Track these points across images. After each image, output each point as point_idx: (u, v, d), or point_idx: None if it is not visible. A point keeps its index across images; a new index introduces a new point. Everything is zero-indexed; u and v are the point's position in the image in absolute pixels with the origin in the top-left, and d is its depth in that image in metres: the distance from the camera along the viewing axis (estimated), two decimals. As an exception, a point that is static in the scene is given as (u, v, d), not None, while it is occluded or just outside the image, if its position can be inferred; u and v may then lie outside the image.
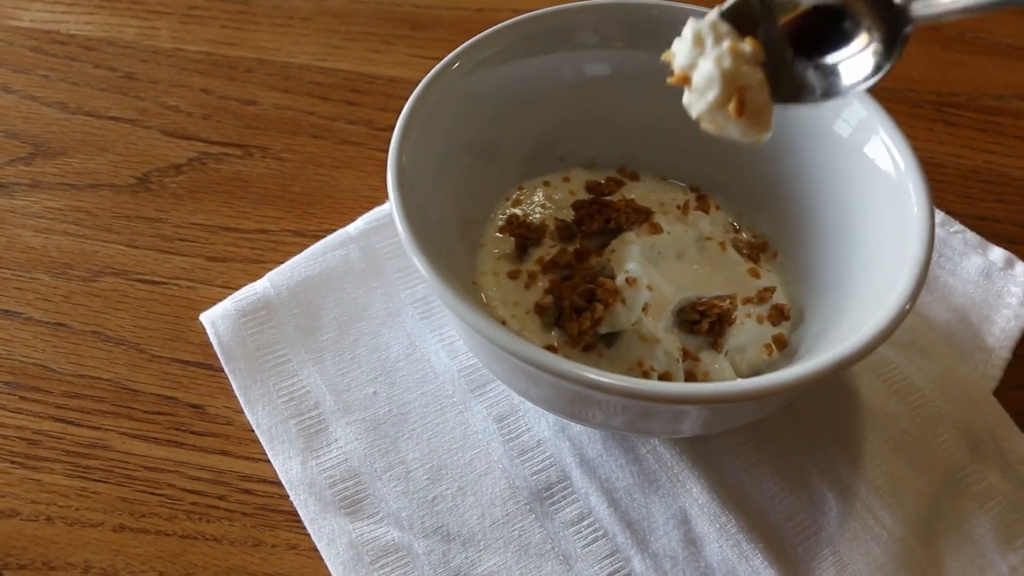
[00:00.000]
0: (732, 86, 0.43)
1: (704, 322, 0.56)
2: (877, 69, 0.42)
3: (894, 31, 0.41)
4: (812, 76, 0.44)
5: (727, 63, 0.42)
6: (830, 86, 0.43)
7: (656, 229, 0.59)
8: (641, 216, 0.60)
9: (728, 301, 0.57)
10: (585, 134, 0.64)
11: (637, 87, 0.62)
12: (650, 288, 0.56)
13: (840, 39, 0.43)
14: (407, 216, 0.48)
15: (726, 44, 0.42)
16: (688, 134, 0.62)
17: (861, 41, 0.42)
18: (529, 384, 0.50)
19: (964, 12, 0.40)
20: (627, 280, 0.55)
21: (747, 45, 0.42)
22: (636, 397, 0.43)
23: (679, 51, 0.45)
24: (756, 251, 0.62)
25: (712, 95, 0.43)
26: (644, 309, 0.55)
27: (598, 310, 0.54)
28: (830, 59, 0.43)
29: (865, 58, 0.42)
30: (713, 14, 0.43)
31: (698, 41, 0.43)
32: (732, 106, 0.43)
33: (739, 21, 0.44)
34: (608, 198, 0.63)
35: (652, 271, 0.57)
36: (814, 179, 0.59)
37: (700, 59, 0.44)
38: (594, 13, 0.60)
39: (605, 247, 0.59)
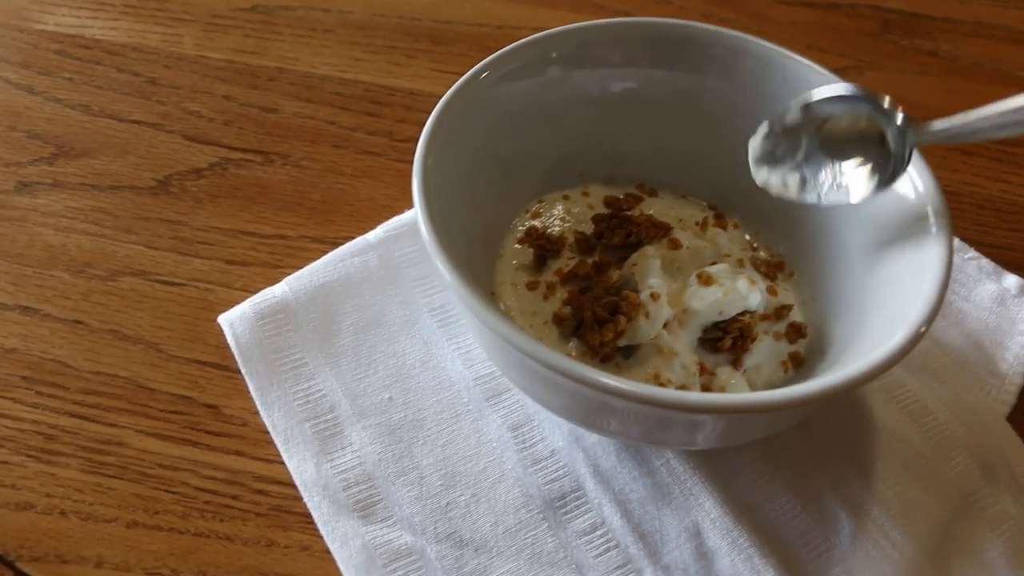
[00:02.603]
0: None
1: (727, 338, 0.56)
2: (890, 178, 0.52)
3: (901, 149, 0.52)
4: (839, 181, 0.54)
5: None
6: (852, 192, 0.53)
7: (676, 244, 0.60)
8: (660, 231, 0.61)
9: (748, 316, 0.57)
10: (606, 149, 0.65)
11: (659, 105, 0.63)
12: (672, 305, 0.56)
13: (864, 150, 0.53)
14: (431, 221, 0.49)
15: None
16: (708, 153, 0.64)
17: (877, 154, 0.53)
18: (548, 391, 0.50)
19: (953, 139, 0.51)
20: (651, 295, 0.55)
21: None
22: (655, 404, 0.44)
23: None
24: (773, 270, 0.62)
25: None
26: (665, 325, 0.55)
27: (621, 323, 0.54)
28: (855, 166, 0.54)
29: (880, 168, 0.53)
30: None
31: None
32: None
33: (789, 131, 0.54)
34: (627, 213, 0.63)
35: (673, 286, 0.57)
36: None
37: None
38: (620, 31, 0.60)
39: (624, 260, 0.60)
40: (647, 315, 0.54)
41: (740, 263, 0.61)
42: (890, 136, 0.52)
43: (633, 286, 0.57)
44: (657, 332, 0.55)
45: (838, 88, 0.53)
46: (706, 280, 0.57)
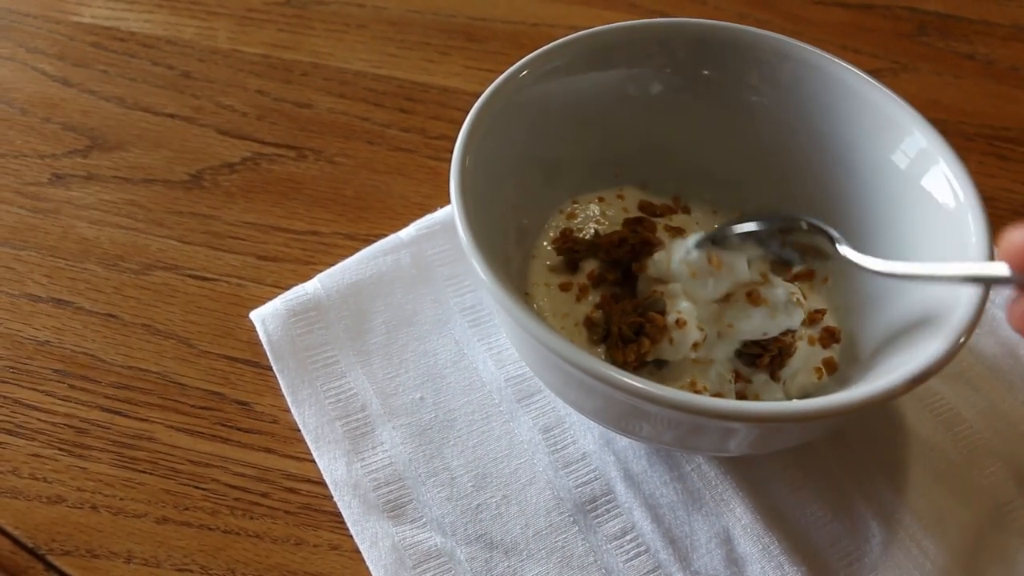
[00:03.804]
0: None
1: (766, 356, 0.56)
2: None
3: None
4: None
5: None
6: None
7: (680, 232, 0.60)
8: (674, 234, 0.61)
9: (790, 335, 0.57)
10: (643, 151, 0.64)
11: (698, 107, 0.62)
12: (701, 328, 0.55)
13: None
14: (468, 220, 0.49)
15: None
16: (744, 156, 0.63)
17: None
18: (581, 394, 0.50)
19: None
20: (677, 320, 0.55)
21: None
22: (689, 411, 0.43)
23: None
24: (802, 278, 0.61)
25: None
26: (694, 346, 0.55)
27: (645, 345, 0.54)
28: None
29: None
30: None
31: None
32: None
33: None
34: (656, 219, 0.62)
35: (712, 306, 0.57)
36: (868, 209, 0.59)
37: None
38: (662, 32, 0.60)
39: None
40: (671, 341, 0.54)
41: (763, 277, 0.60)
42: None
43: (661, 307, 0.56)
44: (683, 356, 0.54)
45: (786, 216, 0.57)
46: (755, 300, 0.56)
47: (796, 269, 0.60)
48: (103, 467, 0.58)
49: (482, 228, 0.49)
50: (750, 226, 0.55)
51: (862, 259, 0.51)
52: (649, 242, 0.59)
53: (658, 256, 0.57)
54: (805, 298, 0.59)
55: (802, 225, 0.55)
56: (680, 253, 0.56)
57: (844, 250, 0.52)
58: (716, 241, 0.56)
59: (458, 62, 0.85)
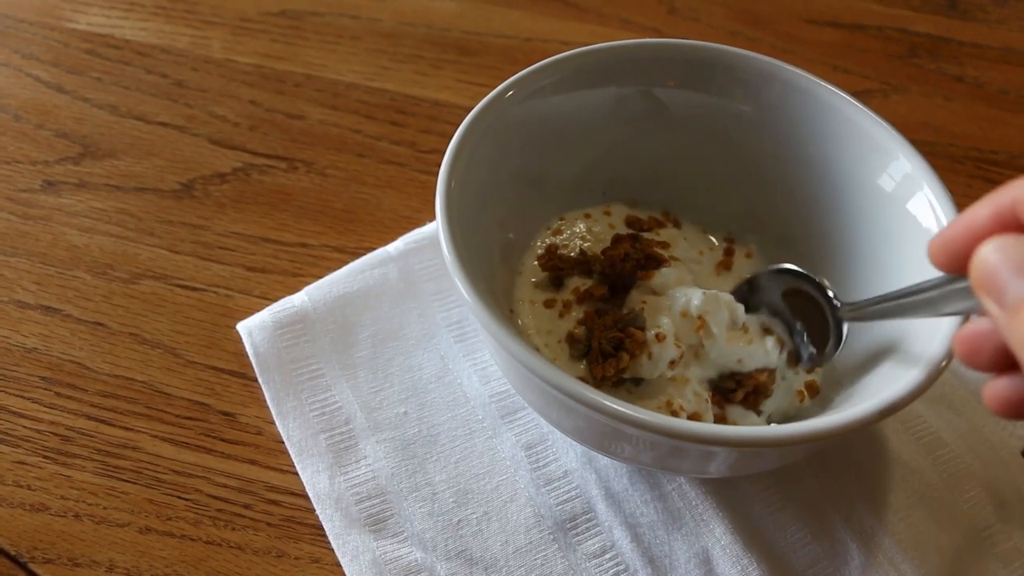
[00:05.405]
0: None
1: (740, 391, 0.56)
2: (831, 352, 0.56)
3: (839, 327, 0.55)
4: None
5: None
6: (808, 359, 0.57)
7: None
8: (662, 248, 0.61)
9: (766, 374, 0.57)
10: (630, 168, 0.65)
11: (685, 126, 0.63)
12: (678, 344, 0.55)
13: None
14: (452, 239, 0.49)
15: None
16: (730, 176, 0.63)
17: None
18: (562, 414, 0.50)
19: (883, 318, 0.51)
20: (656, 336, 0.55)
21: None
22: (669, 435, 0.43)
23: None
24: None
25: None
26: (671, 364, 0.55)
27: (623, 359, 0.54)
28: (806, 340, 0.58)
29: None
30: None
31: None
32: None
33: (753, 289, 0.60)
34: (646, 234, 0.63)
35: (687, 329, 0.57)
36: (853, 230, 0.59)
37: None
38: (649, 52, 0.60)
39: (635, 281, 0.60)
40: (650, 356, 0.54)
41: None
42: (828, 313, 0.56)
43: (642, 323, 0.56)
44: (661, 373, 0.55)
45: (784, 266, 0.58)
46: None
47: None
48: (87, 475, 0.58)
49: (467, 246, 0.50)
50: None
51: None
52: (655, 258, 0.60)
53: (666, 270, 0.58)
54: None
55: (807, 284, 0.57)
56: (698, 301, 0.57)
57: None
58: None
59: (450, 76, 0.85)
